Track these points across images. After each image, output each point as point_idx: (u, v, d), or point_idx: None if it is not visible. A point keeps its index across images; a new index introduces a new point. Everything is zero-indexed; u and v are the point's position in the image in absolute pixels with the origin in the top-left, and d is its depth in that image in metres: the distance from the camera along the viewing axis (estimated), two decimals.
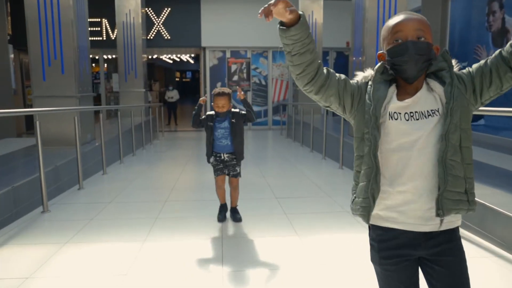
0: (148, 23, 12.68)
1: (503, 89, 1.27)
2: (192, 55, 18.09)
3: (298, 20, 1.21)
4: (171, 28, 13.15)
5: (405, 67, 1.26)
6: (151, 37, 13.09)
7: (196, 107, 3.77)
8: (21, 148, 6.42)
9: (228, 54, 13.44)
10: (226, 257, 2.98)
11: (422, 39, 1.27)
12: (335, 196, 4.60)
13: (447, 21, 9.31)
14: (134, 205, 4.45)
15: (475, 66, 1.30)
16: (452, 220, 1.29)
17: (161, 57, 18.06)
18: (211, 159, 3.75)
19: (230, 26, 12.97)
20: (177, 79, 28.98)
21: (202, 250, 3.16)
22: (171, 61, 21.26)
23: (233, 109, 3.67)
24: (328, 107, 1.38)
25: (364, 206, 1.30)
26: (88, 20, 12.74)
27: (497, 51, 1.26)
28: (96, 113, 7.21)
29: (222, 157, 3.71)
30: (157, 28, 13.12)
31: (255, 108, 13.63)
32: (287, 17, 1.18)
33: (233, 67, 13.47)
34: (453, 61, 1.30)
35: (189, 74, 30.93)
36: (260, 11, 1.19)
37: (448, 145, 1.23)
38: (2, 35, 9.45)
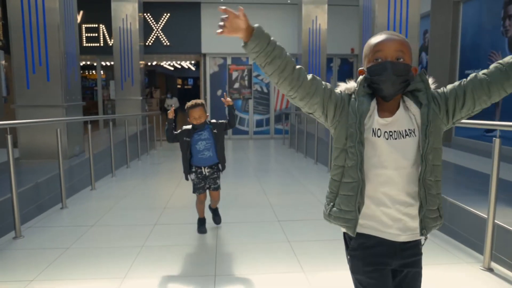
0: (146, 29, 12.27)
1: (474, 111, 1.34)
2: (192, 62, 17.71)
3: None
4: (171, 34, 12.75)
5: (382, 87, 1.29)
6: (150, 43, 12.69)
7: (166, 123, 3.66)
8: (3, 162, 5.95)
9: (229, 61, 13.02)
10: None
11: (401, 60, 1.30)
12: None
13: (458, 25, 8.85)
14: (119, 229, 3.97)
15: (449, 87, 1.36)
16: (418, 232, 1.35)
17: (161, 64, 17.67)
18: (192, 176, 3.65)
19: None
20: (178, 86, 28.58)
21: None
22: (172, 68, 20.87)
23: (212, 120, 3.65)
24: (311, 114, 1.39)
25: (350, 219, 1.32)
26: (85, 25, 12.55)
27: (472, 75, 1.33)
28: (86, 123, 6.75)
29: (203, 173, 3.62)
30: (156, 34, 12.72)
31: (257, 117, 13.19)
32: (243, 27, 1.24)
33: (234, 74, 13.03)
34: (430, 80, 1.34)
35: (190, 81, 30.53)
36: (222, 27, 1.28)
37: (427, 165, 1.29)
38: None
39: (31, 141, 5.72)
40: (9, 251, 3.37)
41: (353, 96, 1.35)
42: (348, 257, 1.42)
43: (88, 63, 14.64)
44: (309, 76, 1.33)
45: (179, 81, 29.32)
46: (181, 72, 23.87)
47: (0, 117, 8.39)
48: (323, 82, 1.35)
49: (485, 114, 7.28)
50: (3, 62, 9.81)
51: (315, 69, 10.80)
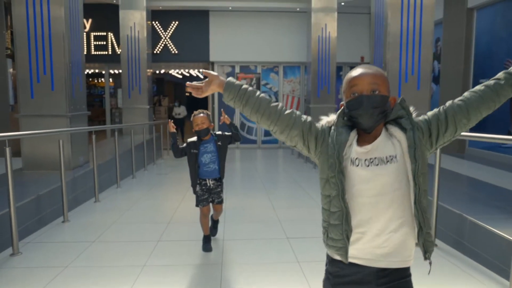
0: (154, 37, 12.24)
1: (455, 135, 1.38)
2: (201, 70, 17.65)
3: None
4: (179, 42, 12.68)
5: (361, 120, 1.33)
6: (158, 52, 12.63)
7: (171, 138, 3.65)
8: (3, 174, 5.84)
9: (237, 69, 12.91)
10: None
11: (377, 92, 1.33)
12: None
13: (472, 33, 8.62)
14: (121, 246, 3.80)
15: (430, 113, 1.39)
16: (405, 260, 1.33)
17: (169, 72, 17.64)
18: (196, 188, 3.61)
19: (239, 40, 12.46)
20: (187, 94, 28.62)
21: None
22: (180, 76, 20.85)
23: (217, 132, 3.65)
24: (294, 146, 1.46)
25: (341, 247, 1.34)
26: (94, 34, 12.55)
27: (449, 102, 1.38)
28: (91, 132, 6.65)
29: (208, 185, 3.60)
30: (164, 42, 12.67)
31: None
32: (215, 83, 1.49)
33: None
34: (411, 108, 1.36)
35: None
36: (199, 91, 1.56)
37: (420, 188, 1.29)
38: (0, 49, 9.03)
39: (35, 151, 5.61)
40: (5, 269, 3.22)
41: (333, 128, 1.39)
42: (324, 274, 1.46)
43: (97, 71, 14.65)
44: (288, 111, 1.42)
45: (188, 89, 29.34)
46: (190, 80, 23.88)
47: (7, 126, 8.33)
48: (304, 116, 1.43)
49: (500, 127, 7.02)
50: (11, 70, 9.80)
51: (324, 78, 10.63)
